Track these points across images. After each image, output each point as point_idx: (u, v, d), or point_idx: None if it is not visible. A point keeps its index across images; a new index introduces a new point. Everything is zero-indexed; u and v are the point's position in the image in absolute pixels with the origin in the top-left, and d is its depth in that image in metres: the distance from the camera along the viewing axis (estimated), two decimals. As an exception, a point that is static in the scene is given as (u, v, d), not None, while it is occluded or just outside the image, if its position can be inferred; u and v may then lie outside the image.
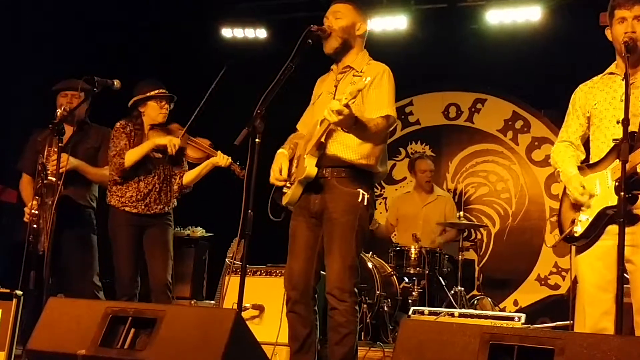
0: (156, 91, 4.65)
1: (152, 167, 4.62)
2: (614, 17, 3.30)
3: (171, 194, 4.70)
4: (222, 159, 4.57)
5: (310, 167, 3.55)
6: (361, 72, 3.68)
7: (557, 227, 3.44)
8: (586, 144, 3.55)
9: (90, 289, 4.60)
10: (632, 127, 3.04)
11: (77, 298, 3.82)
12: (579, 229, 3.25)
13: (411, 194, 7.02)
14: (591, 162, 3.38)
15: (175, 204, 4.79)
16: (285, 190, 3.73)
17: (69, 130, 4.51)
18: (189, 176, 4.74)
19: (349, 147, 3.60)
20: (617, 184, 3.06)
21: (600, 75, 3.49)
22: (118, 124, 4.68)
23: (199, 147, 4.64)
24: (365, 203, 3.60)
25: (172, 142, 4.53)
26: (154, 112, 4.65)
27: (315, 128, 3.66)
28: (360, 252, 3.76)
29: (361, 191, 3.60)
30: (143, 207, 4.57)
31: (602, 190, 3.19)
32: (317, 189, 3.62)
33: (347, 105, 3.24)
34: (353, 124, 3.38)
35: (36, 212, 4.23)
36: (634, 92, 3.20)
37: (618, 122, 3.08)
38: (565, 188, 3.41)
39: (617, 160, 3.03)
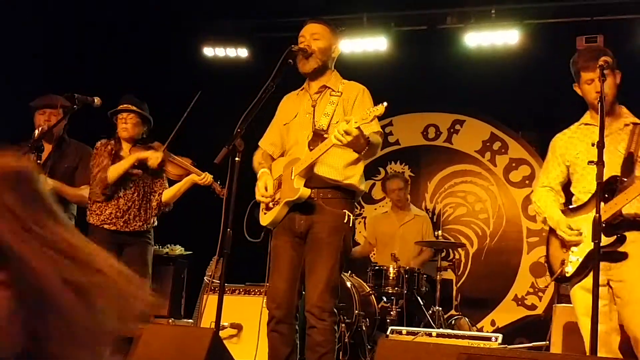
0: (121, 105, 4.65)
1: (132, 183, 4.61)
2: (580, 78, 3.51)
3: (150, 210, 4.68)
4: (203, 178, 4.55)
5: (303, 188, 3.58)
6: (338, 92, 3.76)
7: (547, 269, 3.54)
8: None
9: None
10: (613, 172, 3.16)
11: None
12: (569, 269, 3.39)
13: (388, 213, 7.06)
14: (574, 205, 3.50)
15: (155, 222, 4.77)
16: (266, 211, 3.75)
17: (47, 148, 4.49)
18: (168, 193, 4.72)
19: (334, 168, 3.65)
20: (604, 225, 3.14)
21: (576, 124, 3.65)
22: (99, 142, 4.66)
23: (179, 164, 4.63)
24: (350, 224, 3.68)
25: (154, 155, 4.52)
26: (119, 126, 4.67)
27: (300, 149, 3.69)
28: (342, 272, 3.79)
29: (347, 212, 3.66)
30: (122, 223, 4.55)
31: (589, 231, 3.27)
32: (302, 210, 3.66)
33: (358, 128, 3.32)
34: (366, 145, 3.49)
35: None
36: (612, 139, 3.36)
37: (590, 163, 3.17)
38: (550, 231, 3.52)
39: (603, 203, 3.13)
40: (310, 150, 3.62)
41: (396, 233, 6.78)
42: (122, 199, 4.58)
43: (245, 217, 3.68)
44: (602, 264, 3.16)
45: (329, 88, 3.81)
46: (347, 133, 3.31)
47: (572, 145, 3.56)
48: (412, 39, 7.65)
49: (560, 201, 3.64)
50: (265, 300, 3.98)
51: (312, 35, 3.80)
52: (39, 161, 4.07)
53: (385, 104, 3.35)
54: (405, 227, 6.80)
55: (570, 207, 3.54)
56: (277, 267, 3.70)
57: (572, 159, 3.55)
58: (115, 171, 4.53)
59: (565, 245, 3.44)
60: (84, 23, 6.99)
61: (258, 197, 3.75)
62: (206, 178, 4.55)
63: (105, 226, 4.53)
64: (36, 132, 4.19)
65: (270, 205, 3.73)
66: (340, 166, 3.66)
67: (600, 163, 3.03)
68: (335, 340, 3.61)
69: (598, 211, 3.03)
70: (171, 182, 4.79)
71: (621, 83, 3.50)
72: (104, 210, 4.56)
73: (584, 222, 3.35)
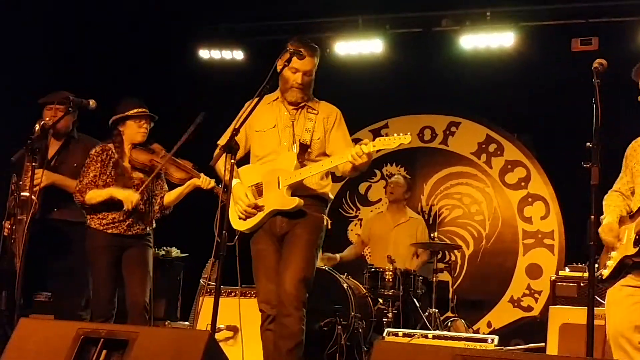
0: (135, 110, 4.61)
1: (135, 188, 4.57)
2: None
3: (152, 214, 4.67)
4: (204, 182, 4.53)
5: (298, 199, 3.82)
6: (315, 110, 4.00)
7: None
8: None
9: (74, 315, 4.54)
10: None
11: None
12: (605, 272, 3.43)
13: (384, 214, 7.08)
14: (632, 212, 3.52)
15: (154, 225, 4.76)
16: (245, 217, 3.89)
17: (54, 144, 4.46)
18: (170, 196, 4.69)
19: (313, 179, 3.91)
20: (637, 236, 3.24)
21: None
22: (94, 150, 4.59)
23: (183, 168, 4.60)
24: (328, 227, 4.00)
25: (129, 199, 4.43)
26: (132, 131, 4.62)
27: (282, 160, 3.88)
28: (315, 269, 3.95)
29: (325, 217, 3.98)
30: (125, 227, 4.53)
31: (626, 240, 3.34)
32: (284, 214, 3.87)
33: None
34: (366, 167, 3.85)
35: (14, 227, 4.20)
36: None
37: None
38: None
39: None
40: (300, 162, 3.87)
41: (390, 234, 6.78)
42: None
43: (216, 221, 3.67)
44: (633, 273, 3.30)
45: (307, 106, 4.00)
46: (369, 157, 3.68)
47: (636, 154, 3.56)
48: (407, 41, 7.65)
49: (632, 206, 3.57)
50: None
51: (306, 73, 3.92)
52: (33, 162, 4.04)
53: (410, 135, 3.68)
54: (399, 228, 6.80)
55: (630, 213, 3.52)
56: (265, 270, 3.87)
57: (632, 167, 3.56)
58: (91, 197, 4.46)
59: (608, 249, 3.47)
60: (81, 25, 6.98)
61: (242, 206, 3.85)
62: (208, 182, 4.52)
63: (108, 230, 4.52)
64: (37, 126, 4.15)
65: (249, 212, 3.87)
66: (317, 178, 3.93)
67: (594, 164, 3.03)
68: (304, 332, 3.78)
69: (593, 213, 3.04)
70: (173, 185, 4.76)
71: None
72: (107, 215, 4.53)
73: (625, 230, 3.38)
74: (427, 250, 6.69)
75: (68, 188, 4.59)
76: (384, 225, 6.89)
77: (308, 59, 3.89)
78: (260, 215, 3.86)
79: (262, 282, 3.86)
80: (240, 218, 3.90)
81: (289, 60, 3.79)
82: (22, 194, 4.15)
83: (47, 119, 4.42)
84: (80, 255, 4.60)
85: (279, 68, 3.78)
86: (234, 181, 3.81)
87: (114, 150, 4.60)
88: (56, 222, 4.42)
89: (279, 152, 3.92)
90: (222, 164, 3.77)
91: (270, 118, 3.97)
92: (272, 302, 3.79)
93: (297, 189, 3.86)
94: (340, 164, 3.81)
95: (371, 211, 8.00)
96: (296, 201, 3.81)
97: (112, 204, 4.48)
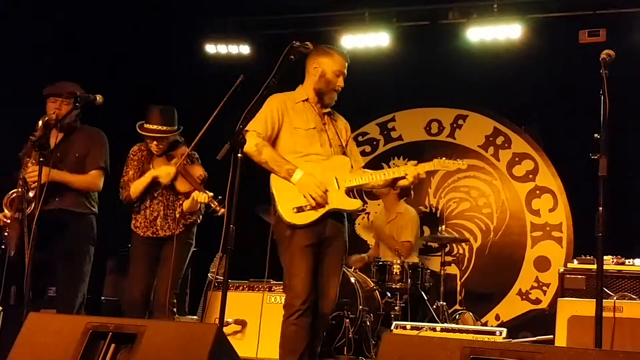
0: (146, 126, 4.62)
1: (156, 193, 4.65)
2: None
3: (177, 219, 4.69)
4: (202, 196, 4.53)
5: (357, 200, 4.00)
6: (336, 119, 4.16)
7: None
8: None
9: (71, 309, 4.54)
10: None
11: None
12: None
13: (381, 208, 7.21)
14: None
15: (199, 220, 4.81)
16: (303, 211, 3.87)
17: (56, 135, 4.45)
18: (185, 205, 4.71)
19: None
20: None
21: None
22: (135, 147, 4.77)
23: (188, 180, 4.60)
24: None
25: (164, 173, 4.57)
26: (148, 143, 4.69)
27: (332, 161, 3.98)
28: None
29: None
30: (150, 233, 4.64)
31: None
32: (335, 217, 3.96)
33: None
34: None
35: (8, 220, 4.21)
36: None
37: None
38: None
39: None
40: (352, 168, 4.01)
41: (385, 230, 6.91)
42: (148, 209, 4.66)
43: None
44: None
45: (331, 112, 4.13)
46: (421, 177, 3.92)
47: None
48: (414, 34, 7.62)
49: None
50: (269, 296, 4.08)
51: (344, 74, 4.05)
52: (41, 157, 4.04)
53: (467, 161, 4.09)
54: (390, 225, 6.89)
55: None
56: (306, 268, 3.84)
57: None
58: (136, 189, 4.64)
59: None
60: (87, 18, 6.97)
61: (316, 195, 3.84)
62: (204, 197, 4.51)
63: (140, 232, 4.63)
64: (40, 122, 4.14)
65: (310, 207, 3.87)
66: None
67: (602, 156, 3.01)
68: None
69: (601, 205, 3.02)
70: None
71: None
72: (137, 218, 4.68)
73: None
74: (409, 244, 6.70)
75: (70, 184, 4.57)
76: (381, 221, 7.06)
77: (345, 63, 4.02)
78: (321, 211, 3.86)
79: (303, 279, 3.81)
80: (304, 210, 3.86)
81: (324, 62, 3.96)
82: (25, 189, 4.15)
83: (52, 111, 4.41)
84: (78, 247, 4.62)
85: (296, 44, 3.71)
86: (299, 172, 3.85)
87: (146, 152, 4.73)
88: (56, 212, 4.40)
89: (323, 154, 3.97)
90: (272, 155, 3.89)
91: (307, 118, 4.01)
92: (302, 296, 3.77)
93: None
94: (397, 177, 3.97)
95: (378, 204, 8.00)
96: (359, 203, 3.98)
97: (142, 200, 4.62)
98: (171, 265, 4.57)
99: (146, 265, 4.59)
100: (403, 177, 3.96)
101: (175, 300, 4.56)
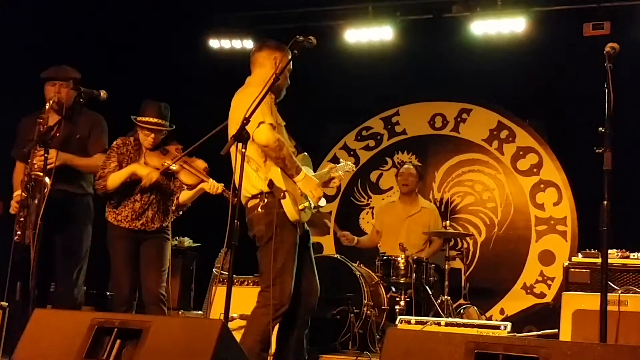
0: (142, 118, 4.58)
1: (149, 186, 4.60)
2: None
3: (168, 212, 4.68)
4: (212, 187, 4.51)
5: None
6: None
7: None
8: None
9: (72, 300, 4.55)
10: None
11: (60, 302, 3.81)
12: None
13: (395, 203, 7.04)
14: None
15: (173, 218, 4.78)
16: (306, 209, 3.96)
17: (55, 118, 4.43)
18: (185, 196, 4.70)
19: None
20: None
21: None
22: (119, 140, 4.66)
23: (193, 172, 4.57)
24: None
25: (149, 176, 4.49)
26: (142, 137, 4.64)
27: (306, 160, 4.16)
28: None
29: None
30: (139, 225, 4.58)
31: None
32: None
33: None
34: None
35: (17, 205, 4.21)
36: None
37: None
38: None
39: None
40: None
41: (402, 224, 6.76)
42: (138, 202, 4.59)
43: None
44: None
45: None
46: None
47: None
48: (417, 28, 7.60)
49: None
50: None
51: None
52: (46, 154, 4.04)
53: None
54: (411, 219, 6.78)
55: None
56: (294, 267, 3.88)
57: None
58: (113, 181, 4.53)
59: None
60: (91, 12, 6.96)
61: (318, 195, 3.96)
62: (216, 188, 4.50)
63: (122, 225, 4.56)
64: (46, 106, 4.15)
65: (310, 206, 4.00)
66: None
67: (607, 149, 3.01)
68: None
69: (606, 198, 3.02)
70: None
71: None
72: (121, 211, 4.58)
73: None
74: (440, 239, 6.68)
75: (77, 167, 4.61)
76: (395, 215, 6.87)
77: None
78: (314, 211, 4.06)
79: (288, 281, 3.86)
80: (304, 210, 3.93)
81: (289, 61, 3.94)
82: (35, 173, 4.11)
83: (51, 94, 4.41)
84: (77, 227, 4.64)
85: (299, 39, 3.72)
86: (303, 172, 3.90)
87: (132, 146, 4.64)
88: (56, 192, 4.40)
89: (294, 151, 4.01)
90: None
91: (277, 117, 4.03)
92: (288, 300, 3.85)
93: None
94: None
95: (382, 199, 7.99)
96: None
97: (125, 193, 4.52)
98: (162, 259, 4.58)
99: (130, 260, 4.54)
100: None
101: (165, 294, 4.56)
